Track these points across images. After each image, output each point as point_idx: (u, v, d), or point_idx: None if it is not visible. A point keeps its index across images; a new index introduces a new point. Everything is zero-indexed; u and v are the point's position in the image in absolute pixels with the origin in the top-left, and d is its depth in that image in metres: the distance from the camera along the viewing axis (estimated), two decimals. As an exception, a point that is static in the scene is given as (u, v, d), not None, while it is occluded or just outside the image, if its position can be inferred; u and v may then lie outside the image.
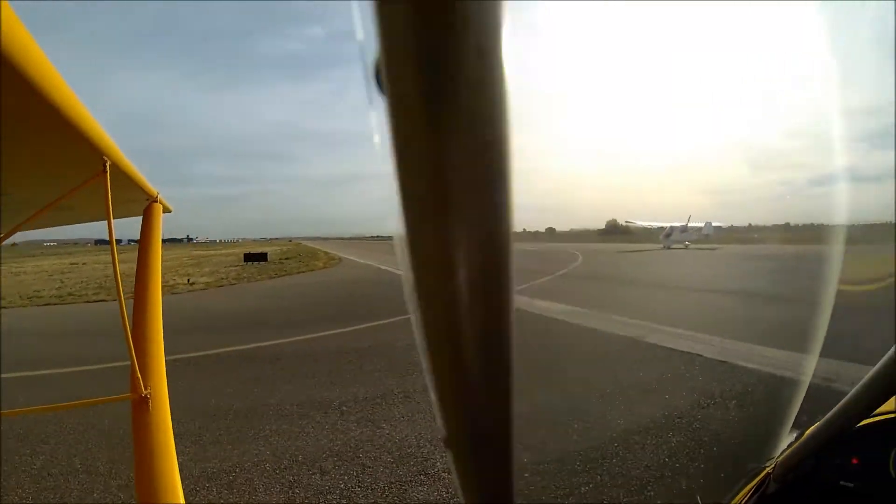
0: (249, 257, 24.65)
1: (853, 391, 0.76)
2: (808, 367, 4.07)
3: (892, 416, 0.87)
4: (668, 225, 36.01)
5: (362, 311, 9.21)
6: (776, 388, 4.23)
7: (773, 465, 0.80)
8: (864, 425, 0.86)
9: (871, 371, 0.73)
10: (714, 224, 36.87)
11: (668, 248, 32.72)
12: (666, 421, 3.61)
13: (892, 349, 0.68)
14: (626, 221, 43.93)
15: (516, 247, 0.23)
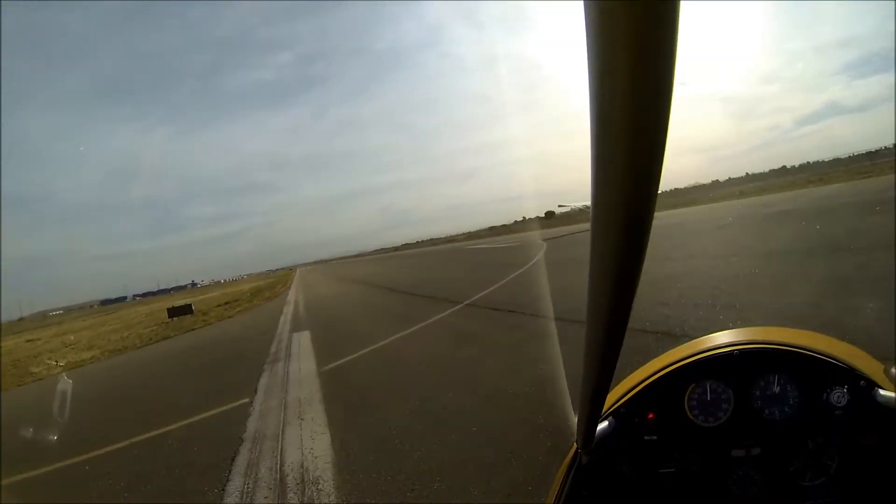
0: (173, 312, 23.31)
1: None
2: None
3: (680, 364, 0.95)
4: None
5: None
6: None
7: (577, 438, 0.83)
8: (655, 379, 0.95)
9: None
10: None
11: None
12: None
13: None
14: (559, 205, 45.53)
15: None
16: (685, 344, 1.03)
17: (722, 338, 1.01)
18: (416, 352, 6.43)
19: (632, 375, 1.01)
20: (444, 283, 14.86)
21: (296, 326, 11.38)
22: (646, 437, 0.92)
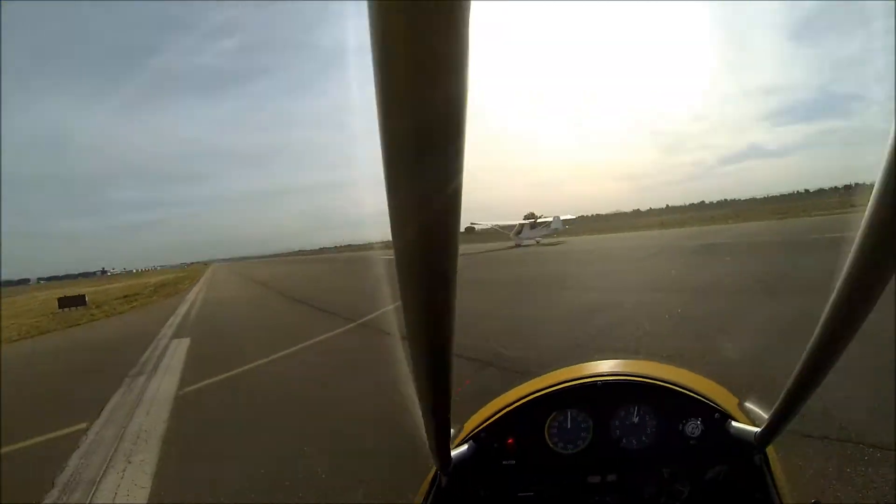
0: (64, 302, 21.24)
1: None
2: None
3: (543, 392, 0.96)
4: (516, 223, 37.23)
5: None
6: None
7: (433, 460, 0.82)
8: (517, 406, 0.96)
9: None
10: (564, 217, 39.17)
11: (520, 245, 33.72)
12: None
13: None
14: (472, 223, 44.34)
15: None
16: (550, 373, 1.05)
17: (587, 369, 1.05)
18: (295, 374, 6.19)
19: (494, 401, 1.03)
20: (346, 294, 14.70)
21: (180, 331, 10.78)
22: (504, 462, 0.94)
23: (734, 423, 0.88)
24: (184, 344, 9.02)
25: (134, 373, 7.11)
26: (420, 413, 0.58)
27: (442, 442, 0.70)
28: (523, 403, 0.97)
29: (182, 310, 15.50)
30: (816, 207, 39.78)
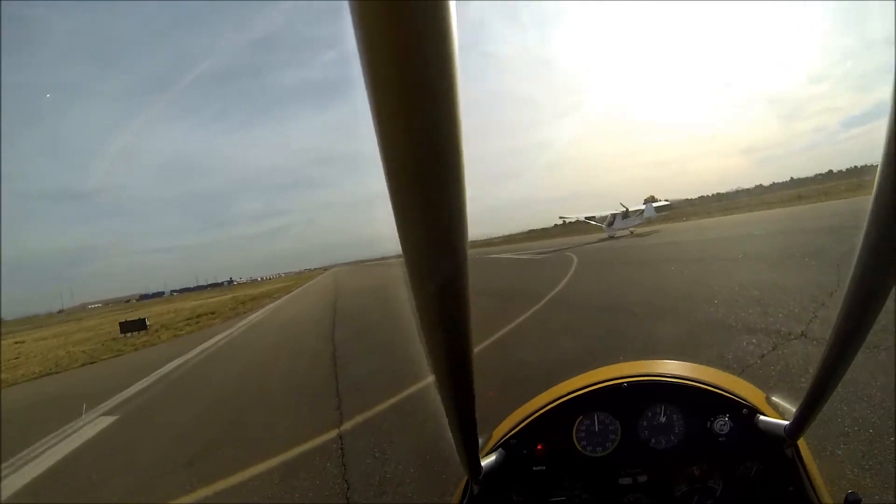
0: (126, 327, 20.85)
1: None
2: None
3: (569, 397, 0.96)
4: (608, 213, 34.90)
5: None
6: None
7: (463, 468, 0.78)
8: (544, 412, 0.96)
9: None
10: (657, 204, 36.04)
11: (612, 237, 31.57)
12: None
13: None
14: (560, 216, 44.20)
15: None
16: (576, 377, 1.05)
17: (611, 371, 1.03)
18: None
19: (521, 408, 1.02)
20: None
21: (195, 382, 8.36)
22: (535, 468, 0.93)
23: (763, 418, 0.85)
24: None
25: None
26: (447, 423, 0.58)
27: (470, 450, 0.69)
28: (550, 409, 0.97)
29: (226, 340, 13.71)
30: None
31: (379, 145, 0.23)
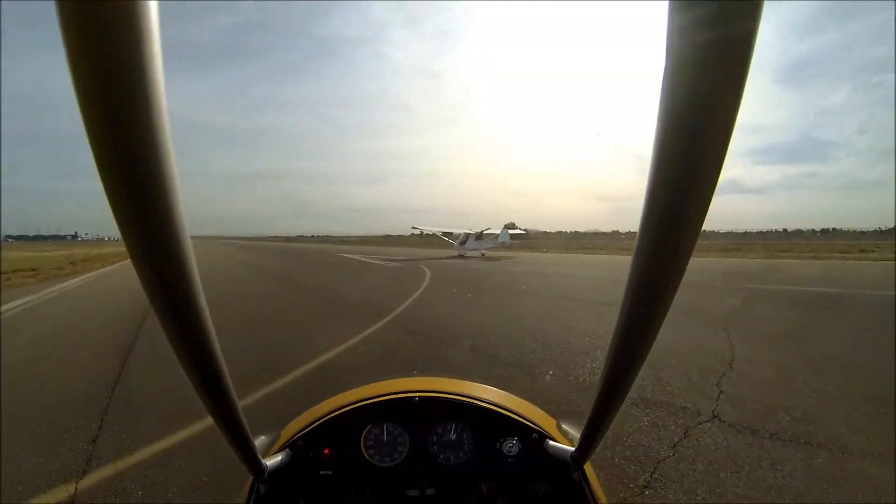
0: None
1: None
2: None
3: (360, 404, 0.95)
4: (462, 231, 33.61)
5: None
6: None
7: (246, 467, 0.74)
8: (333, 416, 0.94)
9: None
10: (513, 231, 36.69)
11: (462, 255, 30.74)
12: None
13: None
14: (413, 226, 41.33)
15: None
16: (368, 385, 1.04)
17: (404, 384, 1.03)
18: None
19: (310, 410, 1.01)
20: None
21: None
22: (321, 472, 0.93)
23: (552, 443, 0.88)
24: None
25: None
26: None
27: (245, 449, 0.66)
28: (339, 414, 0.95)
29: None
30: (797, 248, 39.70)
31: (90, 147, 0.24)
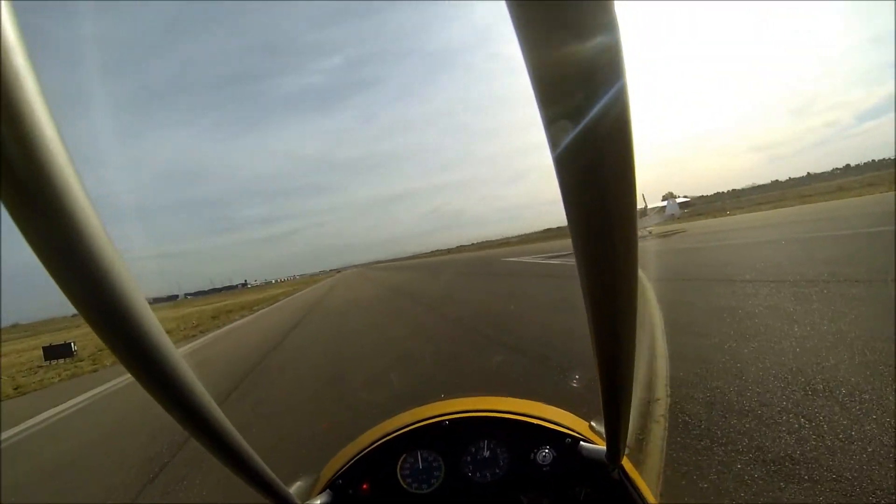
0: (49, 353, 16.90)
1: None
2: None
3: (392, 436, 0.97)
4: None
5: None
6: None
7: None
8: (368, 452, 0.96)
9: None
10: (681, 199, 32.20)
11: None
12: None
13: None
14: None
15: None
16: (404, 413, 1.05)
17: (437, 408, 1.03)
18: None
19: (348, 447, 1.02)
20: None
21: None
22: None
23: (586, 445, 0.88)
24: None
25: None
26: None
27: (279, 498, 0.66)
28: (375, 447, 0.97)
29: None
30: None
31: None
